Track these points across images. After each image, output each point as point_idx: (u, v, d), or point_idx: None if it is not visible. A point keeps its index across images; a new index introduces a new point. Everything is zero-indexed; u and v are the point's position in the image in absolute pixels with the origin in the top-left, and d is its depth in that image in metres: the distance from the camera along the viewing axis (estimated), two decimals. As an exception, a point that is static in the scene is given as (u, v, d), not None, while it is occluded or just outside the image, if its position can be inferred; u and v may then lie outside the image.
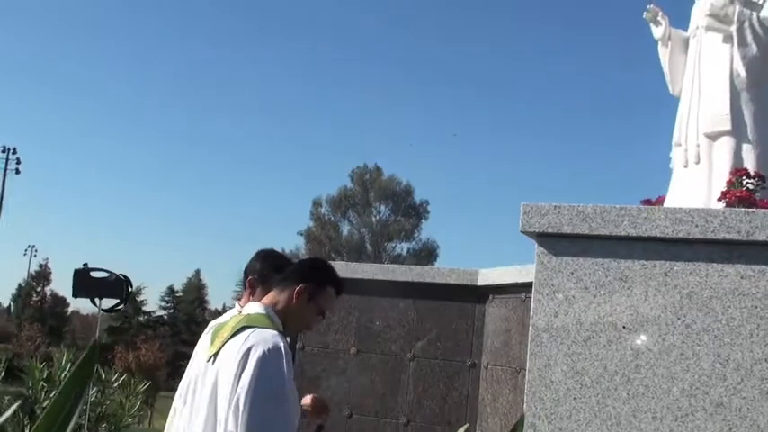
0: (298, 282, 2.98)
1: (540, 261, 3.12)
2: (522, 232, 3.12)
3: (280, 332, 2.85)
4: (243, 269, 3.53)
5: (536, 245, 3.15)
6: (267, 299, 3.02)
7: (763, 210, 2.99)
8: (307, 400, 3.37)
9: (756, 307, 2.85)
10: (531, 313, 3.12)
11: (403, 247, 53.10)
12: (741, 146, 5.20)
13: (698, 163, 5.37)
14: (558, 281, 3.08)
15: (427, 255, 52.64)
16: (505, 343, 4.99)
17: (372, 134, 79.32)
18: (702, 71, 5.46)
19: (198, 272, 67.60)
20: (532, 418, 3.11)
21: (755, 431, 2.82)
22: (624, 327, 2.99)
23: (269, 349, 2.73)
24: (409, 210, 53.02)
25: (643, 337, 2.95)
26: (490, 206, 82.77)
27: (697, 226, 2.88)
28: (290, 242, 59.52)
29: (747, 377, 2.84)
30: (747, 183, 4.87)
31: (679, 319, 2.93)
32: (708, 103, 5.37)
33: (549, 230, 3.06)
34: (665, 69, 5.73)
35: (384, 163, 54.22)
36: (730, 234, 2.85)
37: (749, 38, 5.22)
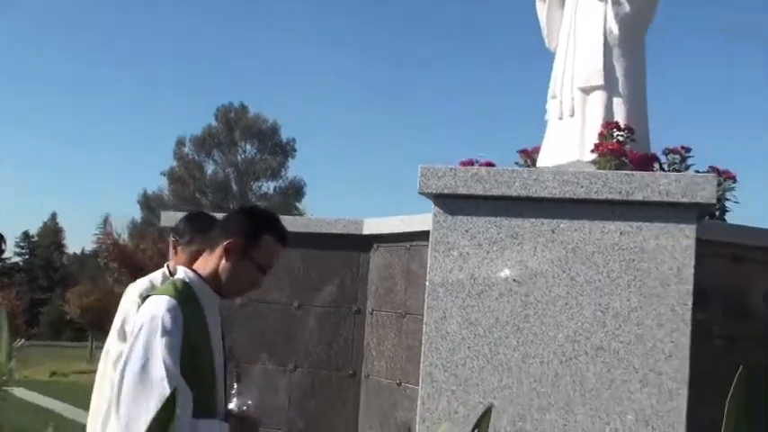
0: (225, 237, 2.63)
1: (436, 220, 3.27)
2: (419, 193, 3.26)
3: (173, 299, 2.55)
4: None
5: (433, 205, 3.30)
6: (199, 263, 2.73)
7: (641, 173, 3.24)
8: None
9: (633, 260, 3.12)
10: (428, 269, 3.29)
11: (269, 186, 52.79)
12: (612, 100, 5.43)
13: (572, 115, 5.57)
14: (454, 239, 3.25)
15: (294, 193, 52.56)
16: (390, 290, 5.16)
17: (237, 72, 77.55)
18: (578, 27, 5.64)
19: (54, 215, 65.01)
20: (429, 366, 3.30)
21: (631, 371, 3.11)
22: (515, 280, 3.20)
23: (145, 323, 2.50)
24: (276, 148, 52.54)
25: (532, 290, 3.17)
26: (358, 143, 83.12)
27: (582, 187, 3.10)
28: (154, 183, 57.99)
29: (625, 323, 3.12)
30: (618, 135, 5.10)
31: (564, 272, 3.17)
32: (582, 58, 5.57)
33: (446, 191, 3.21)
34: (543, 24, 5.90)
35: (249, 101, 53.27)
36: (612, 194, 3.08)
37: None
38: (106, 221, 49.15)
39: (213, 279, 2.66)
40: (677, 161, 5.38)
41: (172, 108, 78.52)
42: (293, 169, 53.72)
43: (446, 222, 3.26)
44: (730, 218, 5.02)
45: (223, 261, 2.65)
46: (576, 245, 3.15)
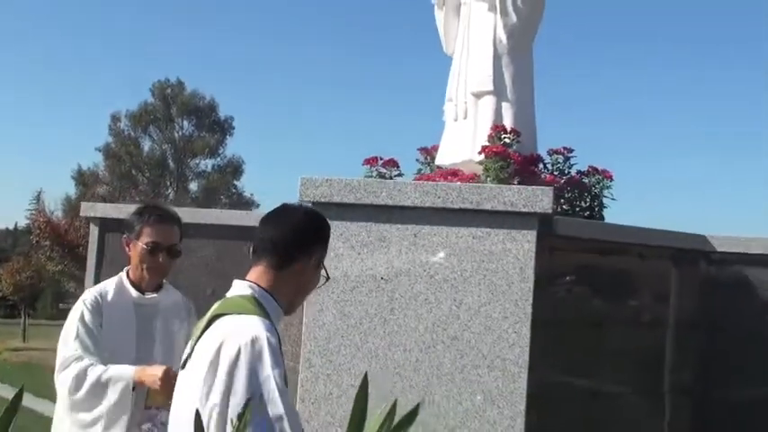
0: (311, 252, 2.45)
1: (314, 225, 3.69)
2: (300, 200, 3.67)
3: (265, 318, 2.22)
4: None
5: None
6: (262, 278, 2.38)
7: (490, 185, 3.70)
8: (159, 371, 3.10)
9: (483, 261, 3.59)
10: (308, 268, 3.71)
11: (207, 164, 52.45)
12: (501, 104, 5.86)
13: (465, 118, 6.00)
14: (330, 241, 3.66)
15: (233, 171, 52.34)
16: (297, 279, 5.54)
17: (174, 49, 76.48)
18: (471, 35, 6.07)
19: (-15, 190, 63.55)
20: (308, 353, 3.73)
21: (480, 357, 3.59)
22: (382, 278, 3.64)
23: (246, 345, 2.09)
24: (213, 125, 52.19)
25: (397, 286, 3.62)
26: (295, 122, 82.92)
27: (439, 197, 3.55)
28: (89, 158, 57.04)
29: (475, 316, 3.59)
30: (505, 137, 5.56)
31: (425, 271, 3.62)
32: (474, 65, 5.99)
33: (322, 200, 3.63)
34: (440, 31, 6.33)
35: (186, 77, 52.72)
36: (465, 204, 3.53)
37: (510, 8, 5.88)
38: (39, 197, 48.22)
39: (283, 295, 2.41)
40: (560, 161, 5.87)
41: (107, 82, 77.14)
42: (231, 147, 53.48)
43: (323, 227, 3.68)
44: (608, 213, 5.55)
45: (306, 276, 2.46)
46: (434, 248, 3.60)
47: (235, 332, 2.14)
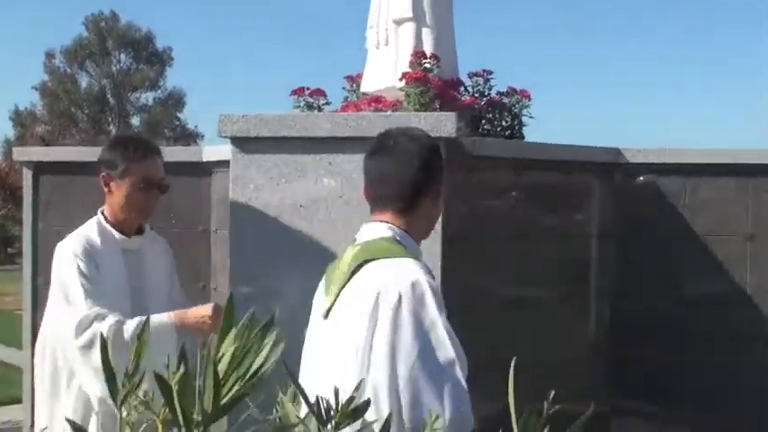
0: (433, 188, 2.27)
1: (234, 159, 3.87)
2: (219, 136, 3.84)
3: (418, 260, 2.11)
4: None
5: (230, 145, 3.88)
6: (395, 221, 2.24)
7: (397, 113, 3.90)
8: (208, 310, 3.04)
9: (395, 185, 3.81)
10: (229, 201, 3.90)
11: (148, 97, 51.64)
12: (422, 30, 5.98)
13: (387, 45, 6.12)
14: (250, 174, 3.86)
15: (174, 104, 51.64)
16: (227, 211, 5.72)
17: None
18: (391, -38, 6.14)
19: None
20: (236, 280, 3.96)
21: (397, 275, 3.85)
22: (301, 206, 3.85)
23: (407, 291, 1.95)
24: (152, 57, 51.21)
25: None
26: (235, 50, 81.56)
27: (350, 127, 3.74)
28: (25, 98, 55.51)
29: (390, 237, 3.84)
30: (425, 63, 5.70)
31: (341, 197, 3.83)
32: (394, -9, 6.08)
33: (239, 135, 3.80)
34: (360, -42, 6.39)
35: (120, 8, 51.30)
36: (375, 132, 3.71)
37: None
38: (-24, 142, 47.11)
39: (417, 233, 2.31)
40: (480, 84, 6.05)
41: (37, 16, 74.61)
42: (172, 79, 52.58)
43: (243, 160, 3.86)
44: (527, 131, 5.76)
45: (435, 209, 2.33)
46: (348, 174, 3.81)
47: (392, 279, 2.01)
